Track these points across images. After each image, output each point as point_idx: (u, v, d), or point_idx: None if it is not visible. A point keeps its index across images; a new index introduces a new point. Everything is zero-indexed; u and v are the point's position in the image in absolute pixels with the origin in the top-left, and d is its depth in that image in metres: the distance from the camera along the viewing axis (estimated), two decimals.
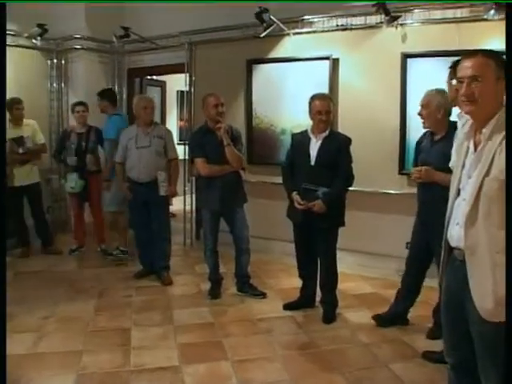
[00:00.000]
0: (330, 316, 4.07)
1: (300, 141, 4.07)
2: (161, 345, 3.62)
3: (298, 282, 4.37)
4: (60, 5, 6.50)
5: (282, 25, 5.42)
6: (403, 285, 3.84)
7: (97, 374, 3.20)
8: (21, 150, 5.68)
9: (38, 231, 6.08)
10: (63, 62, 6.95)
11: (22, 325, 3.94)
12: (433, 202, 3.30)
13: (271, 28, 5.37)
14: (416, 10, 4.89)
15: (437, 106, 3.43)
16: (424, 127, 3.62)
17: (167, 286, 4.88)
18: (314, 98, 3.97)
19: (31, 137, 5.82)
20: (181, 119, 9.51)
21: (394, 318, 3.91)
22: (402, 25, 4.95)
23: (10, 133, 5.65)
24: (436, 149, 3.45)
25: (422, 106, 3.53)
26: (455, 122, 2.84)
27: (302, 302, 4.29)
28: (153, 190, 4.78)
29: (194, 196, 6.25)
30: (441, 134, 3.48)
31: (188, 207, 6.42)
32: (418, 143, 3.78)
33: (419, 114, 3.56)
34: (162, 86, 9.10)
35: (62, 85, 7.00)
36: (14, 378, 3.11)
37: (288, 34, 5.58)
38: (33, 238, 6.11)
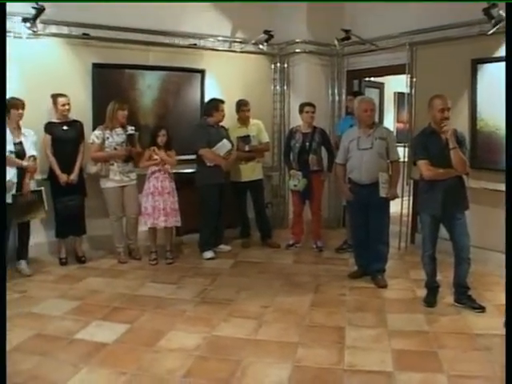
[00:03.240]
0: None
1: None
2: (374, 347, 3.57)
3: None
4: (283, 11, 6.86)
5: None
6: None
7: (311, 368, 3.27)
8: (247, 148, 6.09)
9: (259, 224, 6.43)
10: (286, 65, 7.25)
11: (242, 310, 4.22)
12: None
13: (500, 24, 4.95)
14: None
15: None
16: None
17: (381, 289, 4.78)
18: None
19: (256, 136, 6.20)
20: (398, 121, 9.31)
21: None
22: None
23: (238, 131, 6.13)
24: None
25: None
26: None
27: None
28: (374, 192, 4.74)
29: (411, 199, 6.09)
30: None
31: (405, 210, 6.26)
32: None
33: None
34: (381, 87, 8.99)
35: (285, 87, 7.30)
36: (235, 359, 3.35)
37: None
38: (253, 230, 6.51)
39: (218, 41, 6.73)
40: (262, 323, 3.96)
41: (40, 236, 5.76)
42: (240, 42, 6.88)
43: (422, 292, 4.48)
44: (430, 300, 4.37)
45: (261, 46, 6.91)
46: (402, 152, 5.84)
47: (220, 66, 6.76)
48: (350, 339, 3.68)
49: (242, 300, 4.47)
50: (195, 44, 6.53)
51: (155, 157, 5.50)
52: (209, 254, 5.81)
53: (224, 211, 5.93)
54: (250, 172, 6.20)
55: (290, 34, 6.96)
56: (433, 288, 4.42)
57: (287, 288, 4.81)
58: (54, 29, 5.67)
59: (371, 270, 5.00)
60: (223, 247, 6.13)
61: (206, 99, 6.36)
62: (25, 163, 5.03)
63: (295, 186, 5.94)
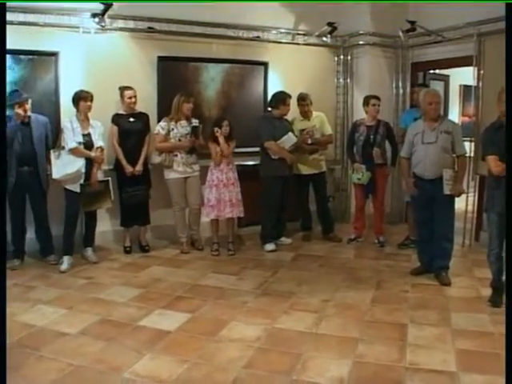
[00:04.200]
0: None
1: None
2: (437, 346, 3.46)
3: None
4: (346, 2, 6.72)
5: None
6: None
7: (372, 364, 3.20)
8: (309, 141, 6.04)
9: (321, 218, 6.39)
10: (349, 57, 7.14)
11: (303, 304, 4.20)
12: None
13: None
14: None
15: None
16: None
17: (445, 287, 4.64)
18: None
19: (319, 128, 6.14)
20: (463, 114, 9.01)
21: None
22: None
23: (300, 124, 6.09)
24: None
25: None
26: None
27: None
28: (438, 187, 4.60)
29: (476, 195, 5.88)
30: None
31: (470, 207, 6.05)
32: None
33: None
34: (446, 80, 8.71)
35: (348, 80, 7.20)
36: (296, 352, 3.33)
37: None
38: (315, 223, 6.48)
39: (281, 33, 6.71)
40: (323, 317, 3.92)
41: (105, 224, 5.94)
42: (303, 35, 6.83)
43: (487, 291, 4.31)
44: (496, 300, 4.20)
45: (324, 39, 6.84)
46: (468, 146, 5.64)
47: (283, 59, 6.73)
48: (411, 337, 3.59)
49: (302, 293, 4.44)
50: (258, 36, 6.54)
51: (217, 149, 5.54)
52: (270, 247, 5.82)
53: (286, 204, 5.93)
54: (313, 165, 6.16)
55: (353, 25, 6.85)
56: (498, 287, 4.24)
57: (348, 283, 4.75)
58: (120, 23, 5.83)
59: (434, 267, 4.86)
60: (284, 240, 6.12)
61: (269, 92, 6.36)
62: (92, 154, 5.18)
63: (359, 179, 5.86)
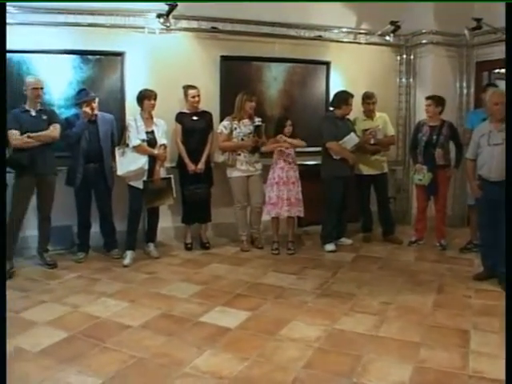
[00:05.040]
0: None
1: None
2: (501, 355, 3.30)
3: None
4: (410, 1, 6.58)
5: None
6: None
7: (434, 370, 3.11)
8: (372, 141, 5.96)
9: (381, 219, 6.29)
10: (412, 57, 7.01)
11: (363, 306, 4.13)
12: None
13: None
14: None
15: None
16: None
17: None
18: None
19: (382, 129, 6.05)
20: None
21: None
22: None
23: (363, 124, 6.03)
24: None
25: None
26: None
27: None
28: (504, 190, 4.45)
29: None
30: None
31: None
32: None
33: None
34: None
35: (411, 79, 7.06)
36: (356, 354, 3.28)
37: None
38: (375, 225, 6.39)
39: (343, 32, 6.66)
40: (384, 320, 3.85)
41: (167, 221, 6.05)
42: (365, 34, 6.75)
43: None
44: None
45: (387, 38, 6.76)
46: None
47: (345, 58, 6.67)
48: (474, 344, 3.47)
49: (363, 295, 4.38)
50: (320, 36, 6.50)
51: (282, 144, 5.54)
52: (330, 247, 5.77)
53: (347, 205, 5.87)
54: (375, 166, 6.08)
55: (416, 24, 6.71)
56: None
57: (409, 286, 4.65)
58: (184, 23, 5.93)
59: (499, 273, 4.69)
60: (344, 240, 6.07)
61: (331, 91, 6.31)
62: (156, 151, 5.28)
63: (420, 180, 5.72)
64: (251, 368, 3.10)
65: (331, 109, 5.83)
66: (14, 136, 4.78)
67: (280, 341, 3.48)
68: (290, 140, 5.53)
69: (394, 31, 6.61)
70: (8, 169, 4.93)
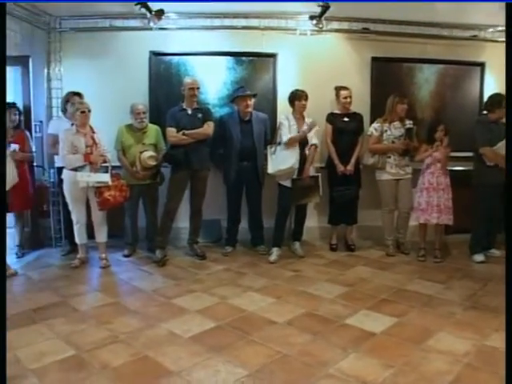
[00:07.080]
0: None
1: None
2: None
3: None
4: None
5: None
6: None
7: None
8: None
9: None
10: None
11: None
12: None
13: None
14: None
15: None
16: None
17: None
18: None
19: None
20: None
21: None
22: None
23: None
24: None
25: None
26: None
27: None
28: None
29: None
30: None
31: None
32: None
33: None
34: None
35: None
36: None
37: None
38: None
39: (499, 31, 6.21)
40: None
41: (312, 221, 6.13)
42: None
43: None
44: None
45: None
46: None
47: (501, 59, 6.21)
48: None
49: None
50: (475, 35, 6.18)
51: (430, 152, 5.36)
52: (479, 258, 5.46)
53: (500, 214, 5.49)
54: None
55: None
56: None
57: None
58: (335, 25, 5.95)
59: None
60: (494, 252, 5.69)
61: (485, 94, 5.96)
62: (306, 151, 5.35)
63: None
64: (396, 376, 3.03)
65: (484, 112, 5.48)
66: (171, 133, 5.14)
67: (426, 351, 3.36)
68: (441, 156, 5.33)
69: None
70: (165, 164, 5.32)
